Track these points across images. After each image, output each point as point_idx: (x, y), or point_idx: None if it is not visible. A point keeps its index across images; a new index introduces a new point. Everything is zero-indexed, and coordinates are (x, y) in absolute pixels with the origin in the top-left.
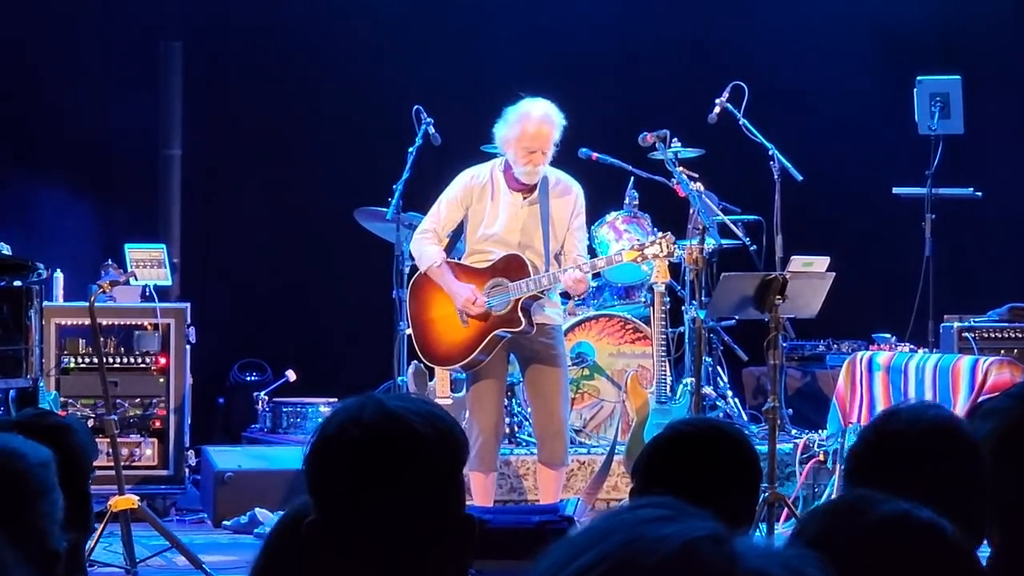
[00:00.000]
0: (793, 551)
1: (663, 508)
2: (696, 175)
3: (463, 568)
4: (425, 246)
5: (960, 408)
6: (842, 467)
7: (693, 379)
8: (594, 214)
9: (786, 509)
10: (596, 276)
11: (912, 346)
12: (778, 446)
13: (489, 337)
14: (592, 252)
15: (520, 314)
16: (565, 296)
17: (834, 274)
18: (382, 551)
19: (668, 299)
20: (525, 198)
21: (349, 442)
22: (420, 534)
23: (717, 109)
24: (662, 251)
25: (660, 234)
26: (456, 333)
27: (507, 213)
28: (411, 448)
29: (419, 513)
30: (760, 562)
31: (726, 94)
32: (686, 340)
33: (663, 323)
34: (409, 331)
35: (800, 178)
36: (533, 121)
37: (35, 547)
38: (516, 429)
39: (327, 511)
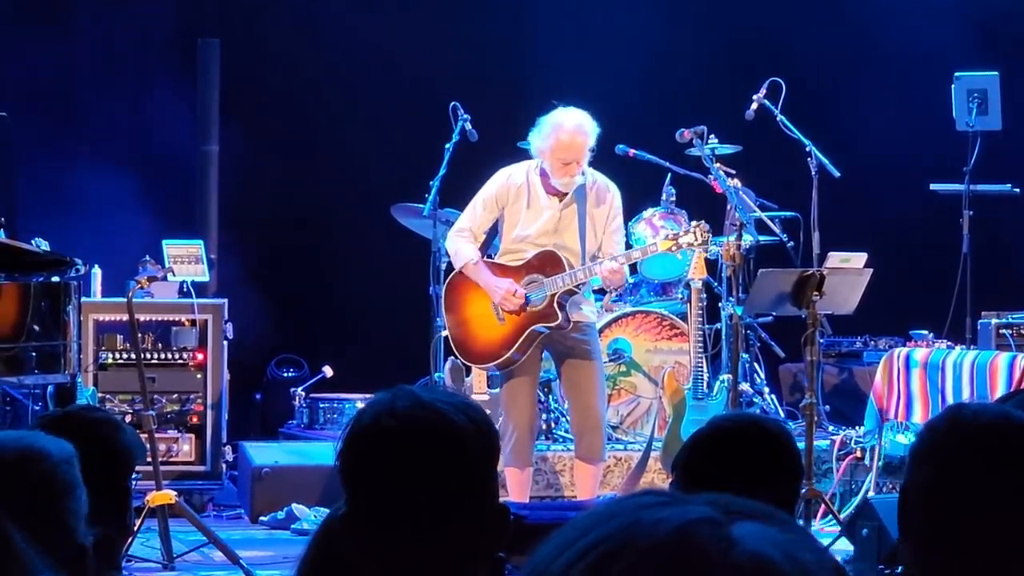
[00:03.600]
0: (790, 535)
1: (663, 495)
2: (733, 171)
3: (496, 559)
4: (461, 244)
5: None
6: (879, 464)
7: (730, 375)
8: (631, 210)
9: (823, 505)
10: (633, 272)
11: (949, 343)
12: (815, 443)
13: (526, 333)
14: (629, 248)
15: (556, 309)
16: (601, 292)
17: (871, 270)
18: (416, 542)
19: (705, 295)
20: (561, 200)
21: (384, 432)
22: (453, 524)
23: (754, 105)
24: (697, 239)
25: (694, 224)
26: (493, 331)
27: (543, 216)
28: (446, 437)
29: (453, 503)
30: (756, 544)
31: (763, 90)
32: (723, 336)
33: (700, 319)
34: (446, 333)
35: (837, 174)
36: (567, 132)
37: (62, 543)
38: (553, 425)
39: (361, 502)
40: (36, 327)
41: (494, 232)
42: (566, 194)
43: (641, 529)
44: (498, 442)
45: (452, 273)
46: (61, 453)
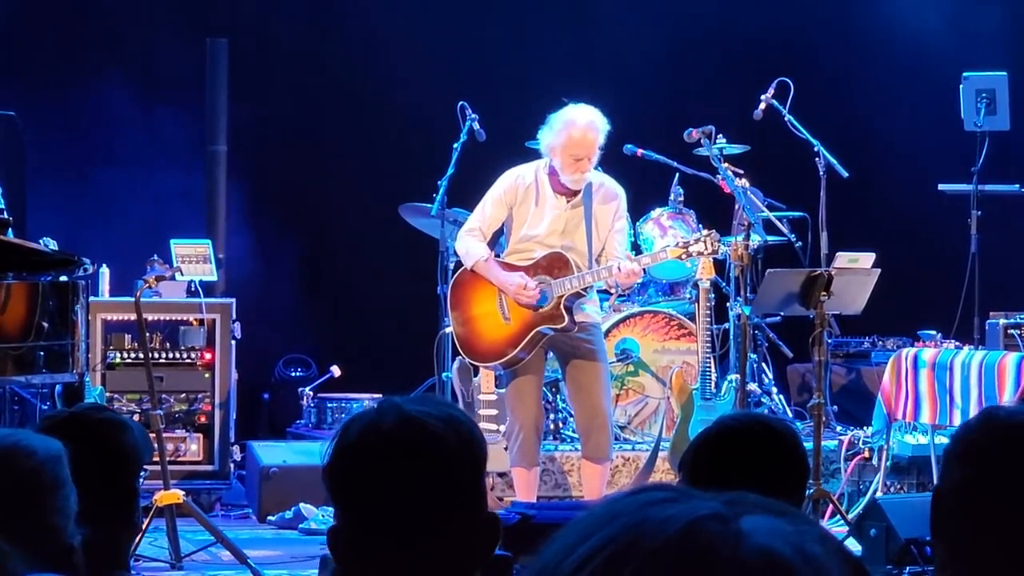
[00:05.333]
0: (796, 526)
1: (666, 491)
2: (741, 171)
3: (503, 558)
4: (471, 243)
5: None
6: (887, 464)
7: (738, 376)
8: (639, 210)
9: (831, 505)
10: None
11: (957, 343)
12: (823, 443)
13: (532, 334)
14: (636, 248)
15: (563, 311)
16: (606, 292)
17: (879, 270)
18: (407, 554)
19: (713, 295)
20: (569, 201)
21: (370, 448)
22: (443, 536)
23: (762, 105)
24: (706, 249)
25: (705, 232)
26: (498, 330)
27: (551, 216)
28: (432, 452)
29: (442, 516)
30: (765, 539)
31: (771, 90)
32: (731, 336)
33: (708, 319)
34: (449, 330)
35: (846, 174)
36: (579, 128)
37: (48, 542)
38: (560, 425)
39: (349, 517)
40: (44, 326)
41: (499, 232)
42: (574, 194)
43: (648, 528)
44: (484, 452)
45: (458, 271)
46: (48, 451)
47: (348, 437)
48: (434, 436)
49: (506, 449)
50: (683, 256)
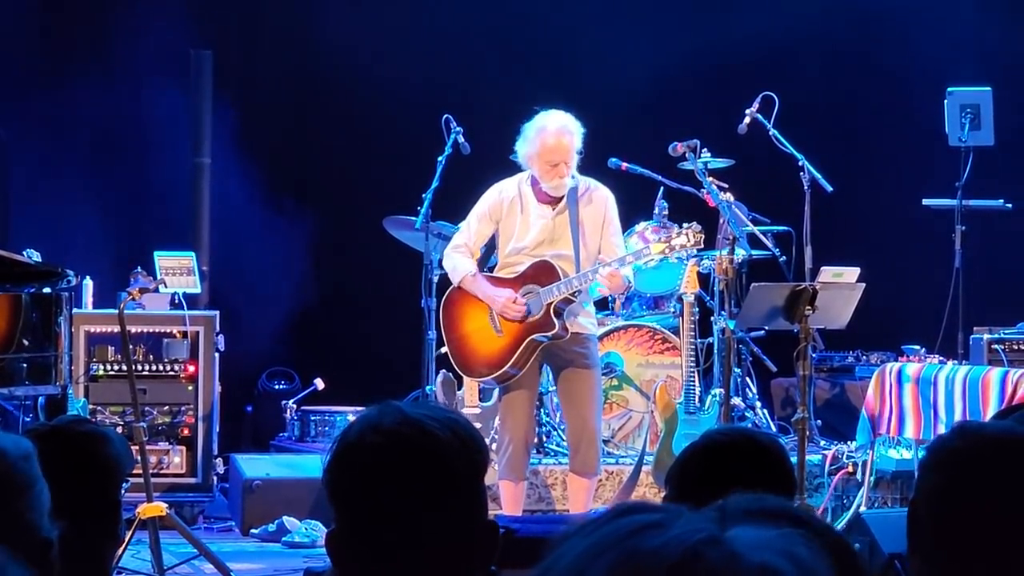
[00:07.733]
0: (779, 532)
1: (646, 513)
2: (726, 185)
3: (488, 573)
4: (458, 259)
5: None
6: (871, 478)
7: (722, 390)
8: (624, 224)
9: None
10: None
11: (941, 358)
12: (807, 457)
13: (525, 343)
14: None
15: (553, 317)
16: (601, 305)
17: (864, 285)
18: (404, 559)
19: (697, 309)
20: (554, 209)
21: (370, 448)
22: (442, 541)
23: (747, 119)
24: (689, 240)
25: (686, 225)
26: (491, 343)
27: (537, 226)
28: (432, 452)
29: (440, 519)
30: (757, 554)
31: (756, 104)
32: (715, 351)
33: (692, 333)
34: (444, 350)
35: (830, 189)
36: (551, 134)
37: (25, 540)
38: (544, 439)
39: (348, 519)
40: (27, 338)
41: (491, 249)
42: (559, 201)
43: (644, 561)
44: (485, 457)
45: (448, 290)
46: (17, 450)
47: (349, 437)
48: (434, 438)
49: (491, 462)
50: (667, 251)
